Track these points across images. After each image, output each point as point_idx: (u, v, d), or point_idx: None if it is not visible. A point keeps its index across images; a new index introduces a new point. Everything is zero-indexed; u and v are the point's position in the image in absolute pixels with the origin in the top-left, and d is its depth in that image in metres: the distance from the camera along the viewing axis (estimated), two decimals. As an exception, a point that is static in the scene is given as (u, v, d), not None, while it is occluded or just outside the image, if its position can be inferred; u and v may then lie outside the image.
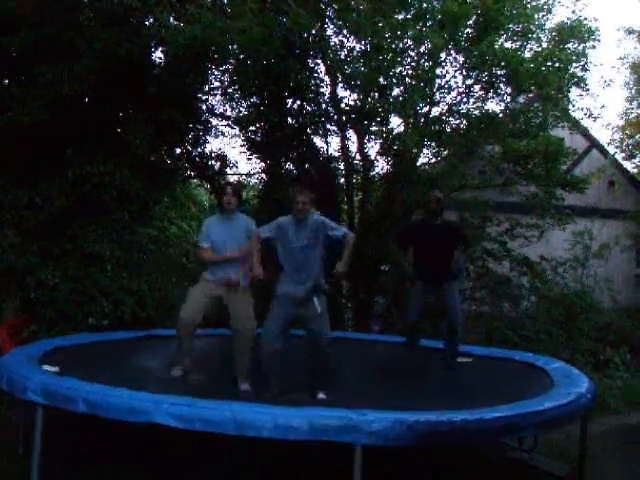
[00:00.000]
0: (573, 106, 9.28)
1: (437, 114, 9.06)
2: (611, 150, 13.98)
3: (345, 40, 8.48)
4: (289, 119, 9.74)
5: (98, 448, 4.21)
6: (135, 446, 4.10)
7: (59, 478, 3.76)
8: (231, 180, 9.80)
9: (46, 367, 4.15)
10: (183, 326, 4.92)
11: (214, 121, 10.24)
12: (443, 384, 5.00)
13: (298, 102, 9.52)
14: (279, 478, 4.02)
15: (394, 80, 8.23)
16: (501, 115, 9.11)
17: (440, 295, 5.79)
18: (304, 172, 9.52)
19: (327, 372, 4.66)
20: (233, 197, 5.10)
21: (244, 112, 10.03)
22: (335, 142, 9.67)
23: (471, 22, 8.13)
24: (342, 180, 9.72)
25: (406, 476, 3.98)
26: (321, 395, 4.54)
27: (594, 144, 12.16)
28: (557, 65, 8.41)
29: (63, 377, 3.82)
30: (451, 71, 8.80)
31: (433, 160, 9.69)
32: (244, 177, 11.33)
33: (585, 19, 8.93)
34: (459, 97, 9.02)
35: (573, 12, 9.09)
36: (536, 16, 8.86)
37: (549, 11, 9.16)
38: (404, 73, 8.30)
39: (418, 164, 9.44)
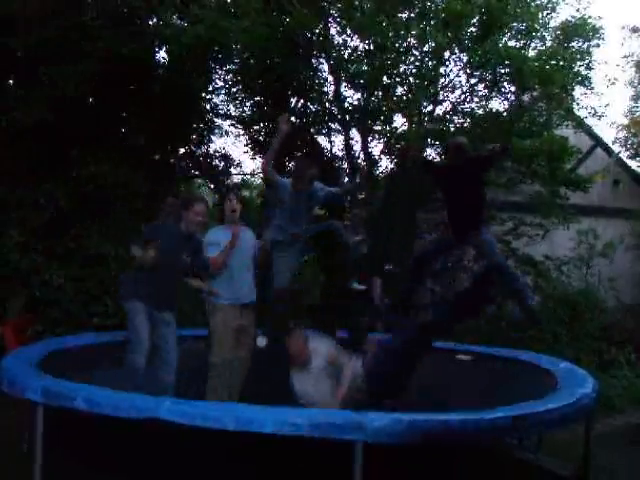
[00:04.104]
0: (577, 105, 9.26)
1: (441, 113, 9.06)
2: (616, 149, 13.94)
3: (349, 39, 8.50)
4: (293, 118, 9.75)
5: (100, 447, 4.22)
6: (136, 446, 4.10)
7: (62, 476, 3.77)
8: (235, 182, 9.74)
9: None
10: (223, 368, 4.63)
11: (218, 120, 10.29)
12: (445, 383, 4.99)
13: (302, 101, 9.55)
14: (278, 477, 4.02)
15: (398, 79, 8.24)
16: (505, 114, 9.09)
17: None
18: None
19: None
20: (238, 204, 4.88)
21: (248, 111, 10.07)
22: (339, 141, 9.69)
23: (475, 21, 8.11)
24: (346, 179, 9.72)
25: (406, 475, 3.97)
26: None
27: (598, 143, 12.11)
28: (561, 64, 8.39)
29: (64, 378, 3.82)
30: (455, 70, 8.81)
31: (437, 159, 9.68)
32: (248, 176, 11.37)
33: (589, 17, 8.90)
34: (463, 96, 9.02)
35: (577, 10, 9.07)
36: (540, 15, 8.83)
37: (553, 9, 9.13)
38: (408, 72, 8.30)
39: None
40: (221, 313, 4.67)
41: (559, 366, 5.08)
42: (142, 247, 4.32)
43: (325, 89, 9.04)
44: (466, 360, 5.54)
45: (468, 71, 8.70)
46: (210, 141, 10.32)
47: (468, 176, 4.83)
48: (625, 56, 17.02)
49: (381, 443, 2.99)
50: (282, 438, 3.01)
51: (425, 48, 8.27)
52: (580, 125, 10.17)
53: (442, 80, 8.73)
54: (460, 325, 5.63)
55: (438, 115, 9.02)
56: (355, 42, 8.42)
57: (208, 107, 9.97)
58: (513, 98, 9.03)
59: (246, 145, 10.34)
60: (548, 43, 8.98)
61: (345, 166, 9.68)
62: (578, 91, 8.98)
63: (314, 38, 8.38)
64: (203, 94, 9.62)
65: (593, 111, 9.27)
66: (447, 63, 8.67)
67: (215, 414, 3.09)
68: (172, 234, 4.47)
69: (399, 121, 8.83)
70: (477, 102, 9.09)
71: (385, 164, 9.52)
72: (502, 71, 8.31)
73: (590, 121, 10.38)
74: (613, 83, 9.73)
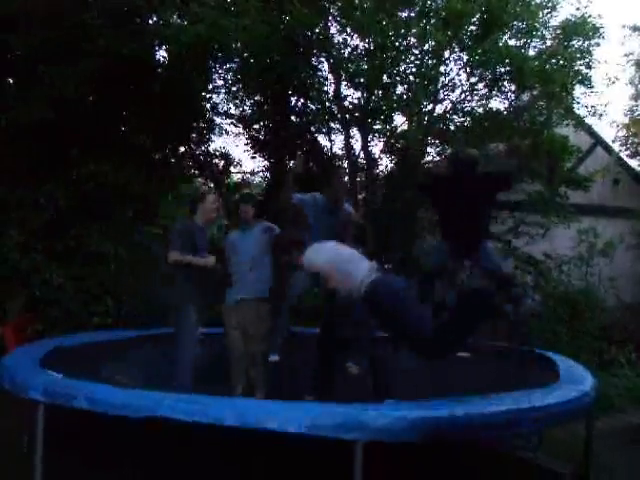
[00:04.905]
0: (577, 103, 9.25)
1: (441, 112, 9.06)
2: (616, 148, 13.94)
3: (349, 38, 8.50)
4: (293, 117, 9.77)
5: (101, 446, 4.22)
6: (137, 445, 4.10)
7: (63, 476, 3.77)
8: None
9: (49, 372, 4.14)
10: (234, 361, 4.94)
11: (218, 119, 10.28)
12: (446, 379, 4.98)
13: (302, 100, 9.55)
14: (278, 477, 4.02)
15: (398, 78, 8.24)
16: (505, 113, 9.09)
17: None
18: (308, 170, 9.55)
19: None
20: (247, 206, 5.08)
21: (248, 110, 10.08)
22: (339, 140, 9.70)
23: (475, 20, 8.11)
24: (346, 178, 9.72)
25: (407, 474, 3.97)
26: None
27: (599, 142, 12.10)
28: (561, 63, 8.39)
29: (66, 377, 3.82)
30: (455, 69, 8.82)
31: (437, 158, 9.69)
32: (248, 175, 11.36)
33: (589, 16, 8.88)
34: (463, 95, 9.02)
35: (577, 9, 9.05)
36: (540, 13, 8.83)
37: (553, 8, 9.12)
38: (408, 71, 8.30)
39: (422, 162, 9.43)
40: (224, 315, 5.02)
41: (559, 363, 5.09)
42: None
43: (325, 88, 9.04)
44: (465, 357, 5.53)
45: (468, 70, 8.70)
46: (210, 140, 10.31)
47: (479, 193, 4.73)
48: (625, 55, 17.02)
49: (382, 441, 2.98)
50: (280, 436, 3.01)
51: (425, 47, 8.27)
52: (580, 124, 10.18)
53: (442, 79, 8.73)
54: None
55: (438, 114, 9.02)
56: (355, 41, 8.42)
57: (208, 106, 9.94)
58: (513, 97, 9.04)
59: (246, 144, 10.33)
60: (548, 42, 8.97)
61: (345, 165, 9.68)
62: (578, 90, 8.98)
63: (314, 37, 8.37)
64: (203, 93, 9.59)
65: (593, 110, 9.28)
66: (447, 62, 8.68)
67: (214, 412, 3.08)
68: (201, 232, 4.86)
69: (399, 120, 8.84)
70: (477, 101, 9.10)
71: (385, 163, 9.53)
72: (502, 70, 8.30)
73: (590, 120, 10.40)
74: (613, 82, 9.72)
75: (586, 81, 8.76)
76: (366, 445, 2.98)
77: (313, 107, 9.36)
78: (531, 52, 8.72)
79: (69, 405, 3.36)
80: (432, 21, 8.02)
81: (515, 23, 8.50)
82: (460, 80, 8.87)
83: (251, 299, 4.98)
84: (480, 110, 9.02)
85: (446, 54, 8.51)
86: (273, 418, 3.01)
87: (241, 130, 10.40)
